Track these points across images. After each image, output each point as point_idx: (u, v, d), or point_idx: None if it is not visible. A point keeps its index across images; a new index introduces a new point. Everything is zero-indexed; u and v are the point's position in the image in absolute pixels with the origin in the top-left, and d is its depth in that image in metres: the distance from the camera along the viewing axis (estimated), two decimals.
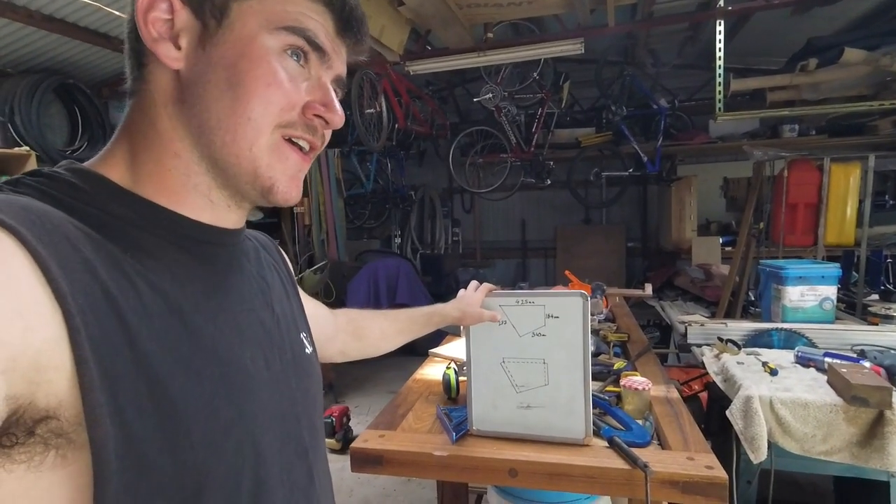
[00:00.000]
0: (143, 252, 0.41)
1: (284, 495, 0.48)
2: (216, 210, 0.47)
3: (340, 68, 0.49)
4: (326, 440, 2.95)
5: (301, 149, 0.48)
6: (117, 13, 2.68)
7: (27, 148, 2.94)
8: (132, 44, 0.45)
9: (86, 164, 0.45)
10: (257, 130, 0.44)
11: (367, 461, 1.06)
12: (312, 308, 0.80)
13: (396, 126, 4.27)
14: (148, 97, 0.45)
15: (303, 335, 0.60)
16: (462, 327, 1.24)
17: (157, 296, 0.40)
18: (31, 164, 2.91)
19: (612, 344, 1.70)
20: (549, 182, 4.80)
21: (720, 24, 3.04)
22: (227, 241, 0.50)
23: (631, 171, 4.68)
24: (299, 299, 0.65)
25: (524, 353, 1.06)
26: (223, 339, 0.45)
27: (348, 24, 0.47)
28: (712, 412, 1.81)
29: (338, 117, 0.48)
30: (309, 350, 0.60)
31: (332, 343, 0.89)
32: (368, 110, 3.94)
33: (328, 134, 0.50)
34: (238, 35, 0.43)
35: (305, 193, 4.66)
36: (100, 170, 0.43)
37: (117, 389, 0.35)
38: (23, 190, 0.39)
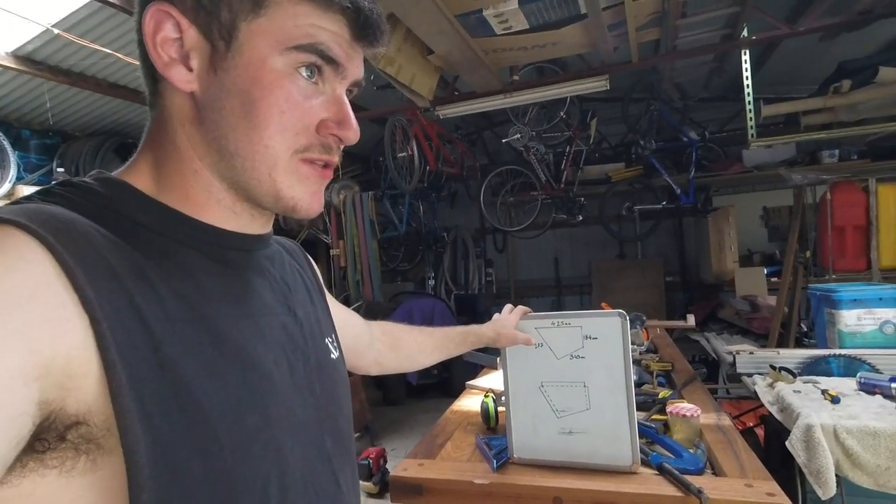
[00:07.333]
0: (166, 258, 0.41)
1: (309, 501, 0.47)
2: (240, 219, 0.48)
3: (356, 73, 0.48)
4: (363, 483, 2.91)
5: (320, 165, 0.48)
6: None
7: None
8: (144, 60, 0.44)
9: (114, 173, 0.45)
10: (275, 157, 0.44)
11: (406, 490, 1.04)
12: (346, 316, 0.80)
13: (428, 168, 4.40)
14: (165, 113, 0.45)
15: (328, 340, 0.59)
16: (499, 359, 1.22)
17: (180, 302, 0.40)
18: None
19: (655, 374, 1.64)
20: (580, 218, 4.79)
21: (745, 54, 3.06)
22: (250, 246, 0.50)
23: (664, 203, 4.63)
24: (325, 304, 0.64)
25: (563, 376, 1.04)
26: (247, 344, 0.44)
27: (364, 29, 0.46)
28: (771, 447, 1.69)
29: (352, 133, 0.47)
30: (335, 355, 0.59)
31: (369, 352, 0.88)
32: (400, 154, 4.09)
33: (341, 147, 0.49)
34: (248, 59, 0.42)
35: (341, 236, 4.81)
36: (126, 178, 0.44)
37: (143, 394, 0.35)
38: (52, 199, 0.39)
